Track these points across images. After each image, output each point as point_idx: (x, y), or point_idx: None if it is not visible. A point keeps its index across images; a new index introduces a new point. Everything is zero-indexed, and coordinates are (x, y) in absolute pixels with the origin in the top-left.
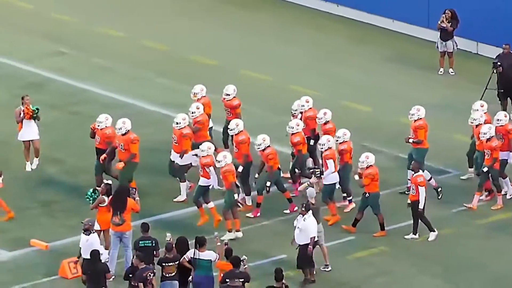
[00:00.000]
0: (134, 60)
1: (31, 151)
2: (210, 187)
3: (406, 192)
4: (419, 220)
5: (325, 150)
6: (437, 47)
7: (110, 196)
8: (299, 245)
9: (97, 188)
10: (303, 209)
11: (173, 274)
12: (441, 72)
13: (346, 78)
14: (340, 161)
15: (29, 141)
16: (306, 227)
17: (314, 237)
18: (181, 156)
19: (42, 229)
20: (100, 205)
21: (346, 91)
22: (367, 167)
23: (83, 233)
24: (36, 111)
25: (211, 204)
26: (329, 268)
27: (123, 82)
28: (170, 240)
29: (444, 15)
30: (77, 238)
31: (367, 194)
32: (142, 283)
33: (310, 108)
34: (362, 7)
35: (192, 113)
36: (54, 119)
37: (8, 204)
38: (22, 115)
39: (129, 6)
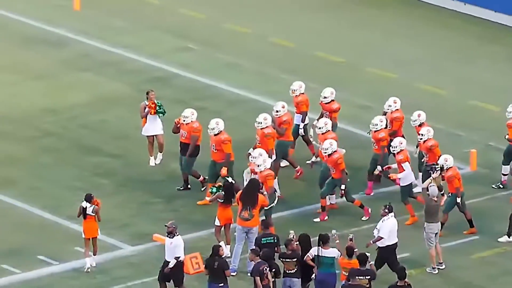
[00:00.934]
0: (260, 57)
1: (155, 146)
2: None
3: (501, 186)
4: None
5: (398, 153)
6: None
7: (227, 191)
8: (378, 247)
9: (221, 184)
10: (385, 210)
11: (293, 271)
12: None
13: (473, 77)
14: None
15: (153, 136)
16: (383, 228)
17: (382, 238)
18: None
19: (165, 224)
20: (218, 200)
21: (473, 90)
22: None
23: (167, 236)
24: (160, 106)
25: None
26: (443, 266)
27: (248, 78)
28: (293, 237)
29: None
30: (200, 234)
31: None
32: (258, 277)
33: (397, 109)
34: (488, 5)
35: (277, 111)
36: (179, 115)
37: (131, 199)
38: (146, 110)
39: (256, 3)
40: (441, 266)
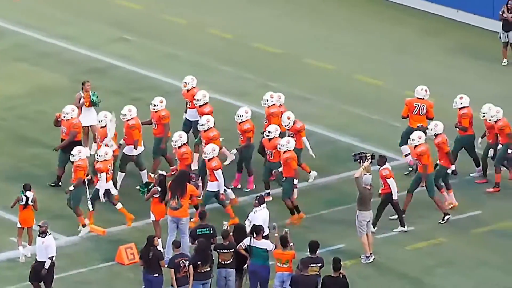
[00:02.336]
0: (198, 48)
1: (90, 137)
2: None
3: (410, 168)
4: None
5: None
6: (500, 38)
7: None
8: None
9: (148, 181)
10: (256, 201)
11: (229, 261)
12: (504, 63)
13: (413, 69)
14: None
15: (87, 126)
16: (255, 220)
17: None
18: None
19: (100, 214)
20: (154, 196)
21: (411, 82)
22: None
23: (39, 235)
24: (95, 97)
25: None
26: (373, 257)
27: (186, 69)
28: (227, 228)
29: (506, 6)
30: (135, 224)
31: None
32: (173, 270)
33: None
34: None
35: (154, 105)
36: (115, 105)
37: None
38: (81, 101)
39: None
40: (371, 256)
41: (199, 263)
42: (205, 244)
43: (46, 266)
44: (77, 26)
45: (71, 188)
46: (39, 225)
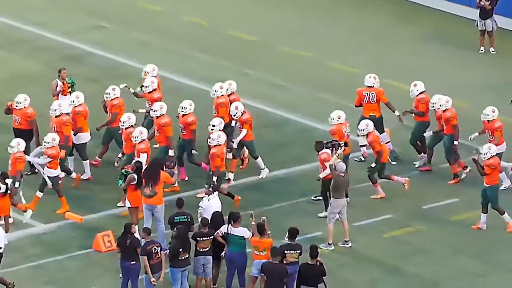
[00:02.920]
0: (173, 35)
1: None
2: None
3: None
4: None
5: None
6: (477, 26)
7: (139, 173)
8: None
9: (125, 171)
10: (210, 189)
11: (207, 249)
12: (481, 51)
13: (387, 57)
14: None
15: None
16: (209, 207)
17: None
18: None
19: (77, 202)
20: (130, 183)
21: (386, 69)
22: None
23: None
24: (72, 84)
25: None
26: (349, 245)
27: (161, 57)
28: (252, 217)
29: None
30: (112, 212)
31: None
32: (146, 257)
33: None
34: None
35: (107, 94)
36: (92, 93)
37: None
38: (58, 88)
39: None
40: (348, 244)
41: (180, 250)
42: (185, 231)
43: None
44: (53, 13)
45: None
46: None
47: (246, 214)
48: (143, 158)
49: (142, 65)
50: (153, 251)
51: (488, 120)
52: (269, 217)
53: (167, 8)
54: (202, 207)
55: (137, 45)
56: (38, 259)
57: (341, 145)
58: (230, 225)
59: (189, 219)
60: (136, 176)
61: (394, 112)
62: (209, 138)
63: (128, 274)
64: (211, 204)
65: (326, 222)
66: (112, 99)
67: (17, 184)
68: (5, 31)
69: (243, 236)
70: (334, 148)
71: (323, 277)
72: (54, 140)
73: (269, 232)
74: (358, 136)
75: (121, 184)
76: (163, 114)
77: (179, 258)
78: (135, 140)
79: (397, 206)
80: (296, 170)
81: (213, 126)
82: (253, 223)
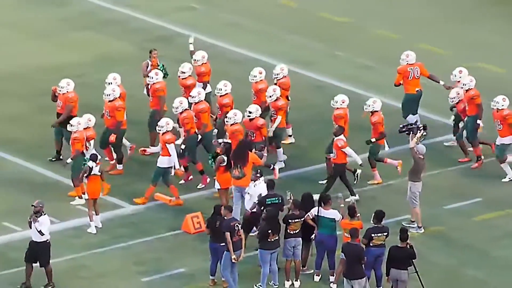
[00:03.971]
0: (263, 16)
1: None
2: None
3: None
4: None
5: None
6: None
7: (228, 154)
8: (247, 210)
9: (217, 152)
10: (257, 175)
11: (297, 231)
12: None
13: (474, 38)
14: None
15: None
16: (256, 193)
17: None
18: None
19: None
20: (220, 164)
21: (473, 51)
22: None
23: (34, 215)
24: (162, 68)
25: None
26: (422, 230)
27: (251, 38)
28: (291, 198)
29: None
30: (200, 194)
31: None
32: (229, 233)
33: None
34: None
35: (150, 77)
36: None
37: (133, 158)
38: (149, 69)
39: None
40: (421, 230)
41: (269, 231)
42: (274, 212)
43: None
44: None
45: (69, 160)
46: (33, 205)
47: (333, 197)
48: (171, 149)
49: (231, 46)
50: (235, 228)
51: (497, 109)
52: (360, 201)
53: None
54: (249, 193)
55: (227, 26)
56: (127, 240)
57: (420, 127)
58: (320, 207)
59: (280, 201)
60: (225, 158)
61: (439, 82)
62: (226, 117)
63: (217, 256)
64: (257, 190)
65: (411, 206)
66: (154, 83)
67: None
68: (96, 12)
69: (334, 218)
70: (412, 132)
71: (413, 260)
72: (79, 124)
73: (358, 214)
74: (365, 110)
75: (212, 166)
76: (201, 100)
77: (269, 240)
78: (160, 130)
79: (489, 189)
80: (385, 152)
81: (250, 112)
82: (342, 205)
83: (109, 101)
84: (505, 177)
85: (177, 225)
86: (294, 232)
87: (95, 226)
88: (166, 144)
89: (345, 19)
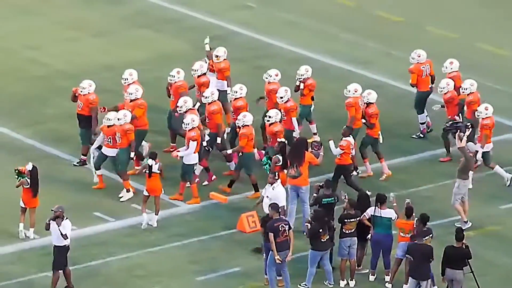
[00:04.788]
0: (320, 15)
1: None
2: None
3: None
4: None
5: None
6: None
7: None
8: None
9: (269, 156)
10: (275, 178)
11: (353, 230)
12: None
13: None
14: None
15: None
16: (276, 196)
17: (284, 206)
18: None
19: (222, 182)
20: (276, 164)
21: None
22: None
23: (53, 220)
24: None
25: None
26: (470, 224)
27: (308, 37)
28: (345, 197)
29: None
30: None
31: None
32: (272, 233)
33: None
34: None
35: (172, 76)
36: (238, 73)
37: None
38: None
39: None
40: (468, 224)
41: (320, 230)
42: (323, 213)
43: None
44: None
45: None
46: (52, 210)
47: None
48: (192, 146)
49: (287, 45)
50: (280, 229)
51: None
52: (413, 199)
53: None
54: (268, 196)
55: (283, 25)
56: (182, 239)
57: (468, 126)
58: (377, 207)
59: (336, 201)
60: (280, 158)
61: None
62: (236, 119)
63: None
64: (276, 193)
65: (451, 203)
66: (175, 81)
67: (132, 155)
68: (153, 11)
69: (391, 218)
70: (459, 130)
71: (468, 260)
72: (125, 116)
73: (414, 214)
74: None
75: (267, 171)
76: (214, 101)
77: (321, 240)
78: (186, 127)
79: None
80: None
81: (269, 117)
82: (394, 204)
83: (131, 100)
84: (506, 181)
85: (233, 224)
86: (349, 231)
87: (147, 223)
88: (190, 141)
89: (401, 18)
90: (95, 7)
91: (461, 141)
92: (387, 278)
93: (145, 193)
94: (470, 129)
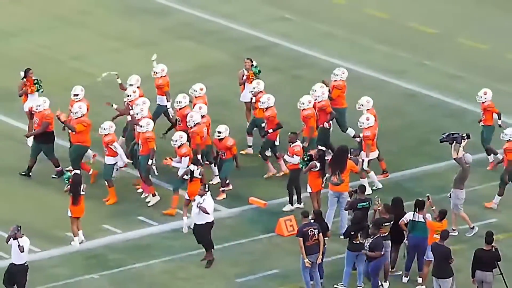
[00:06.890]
0: (354, 27)
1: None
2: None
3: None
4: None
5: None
6: None
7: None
8: (195, 224)
9: (309, 157)
10: (205, 190)
11: (387, 234)
12: None
13: None
14: None
15: (250, 102)
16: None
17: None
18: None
19: (260, 187)
20: (312, 169)
21: None
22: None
23: (12, 239)
24: (257, 72)
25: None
26: (456, 233)
27: (343, 48)
28: (378, 202)
29: None
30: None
31: None
32: (301, 238)
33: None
34: None
35: (128, 96)
36: (277, 82)
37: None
38: (244, 77)
39: None
40: (455, 232)
41: (352, 233)
42: (361, 216)
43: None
44: (239, 5)
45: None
46: (10, 229)
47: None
48: (184, 162)
49: (324, 56)
50: (309, 233)
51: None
52: (444, 204)
53: (350, 1)
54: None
55: (321, 36)
56: (222, 242)
57: (464, 137)
58: (415, 212)
59: (370, 205)
60: (318, 164)
61: None
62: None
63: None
64: (206, 204)
65: (454, 211)
66: (181, 108)
67: (150, 162)
68: (194, 22)
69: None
70: (455, 141)
71: (498, 262)
72: (111, 127)
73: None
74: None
75: (303, 164)
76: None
77: (354, 241)
78: (174, 144)
79: None
80: (474, 158)
81: (219, 133)
82: (433, 208)
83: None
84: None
85: (271, 228)
86: (384, 235)
87: (188, 226)
88: (182, 158)
89: (433, 30)
90: (138, 19)
91: (457, 152)
92: (420, 280)
93: (187, 198)
94: (466, 140)
